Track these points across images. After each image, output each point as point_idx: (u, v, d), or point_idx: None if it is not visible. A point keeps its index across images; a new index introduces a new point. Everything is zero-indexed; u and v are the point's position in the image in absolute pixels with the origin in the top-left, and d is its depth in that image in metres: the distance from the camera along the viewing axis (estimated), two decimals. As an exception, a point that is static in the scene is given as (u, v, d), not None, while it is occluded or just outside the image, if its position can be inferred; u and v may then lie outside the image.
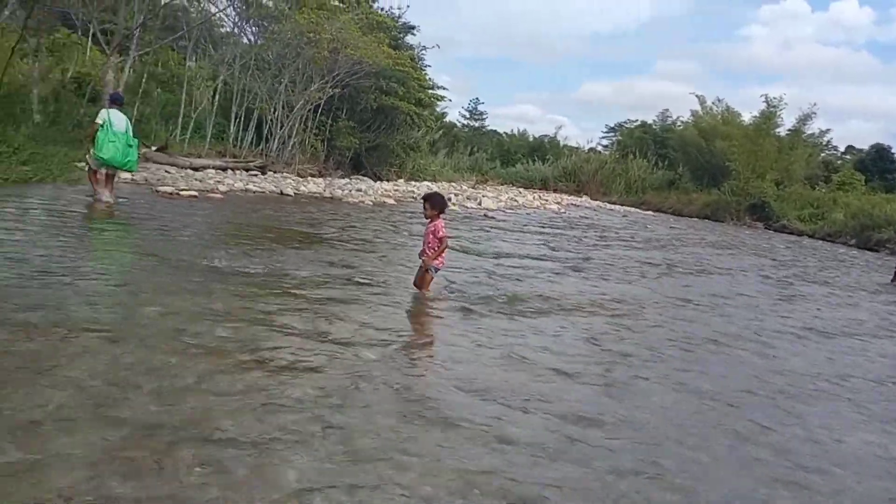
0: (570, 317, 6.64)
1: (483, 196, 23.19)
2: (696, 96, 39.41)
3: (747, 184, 32.75)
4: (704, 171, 37.44)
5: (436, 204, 6.57)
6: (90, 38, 22.26)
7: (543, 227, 16.84)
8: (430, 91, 29.39)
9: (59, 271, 5.51)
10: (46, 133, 14.26)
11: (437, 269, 6.59)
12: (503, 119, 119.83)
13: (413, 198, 20.11)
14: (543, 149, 47.22)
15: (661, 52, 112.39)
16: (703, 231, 23.52)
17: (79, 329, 4.12)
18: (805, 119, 35.00)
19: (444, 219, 6.68)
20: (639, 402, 4.30)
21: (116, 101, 11.20)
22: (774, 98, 33.84)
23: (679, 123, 42.88)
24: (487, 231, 14.11)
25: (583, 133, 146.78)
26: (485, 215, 17.59)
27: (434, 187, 25.18)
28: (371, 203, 16.47)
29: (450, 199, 20.87)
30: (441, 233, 6.45)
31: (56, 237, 7.15)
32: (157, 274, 6.05)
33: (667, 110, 47.82)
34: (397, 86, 24.90)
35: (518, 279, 8.41)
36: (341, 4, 22.93)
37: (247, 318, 4.91)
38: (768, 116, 34.55)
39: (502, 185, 38.53)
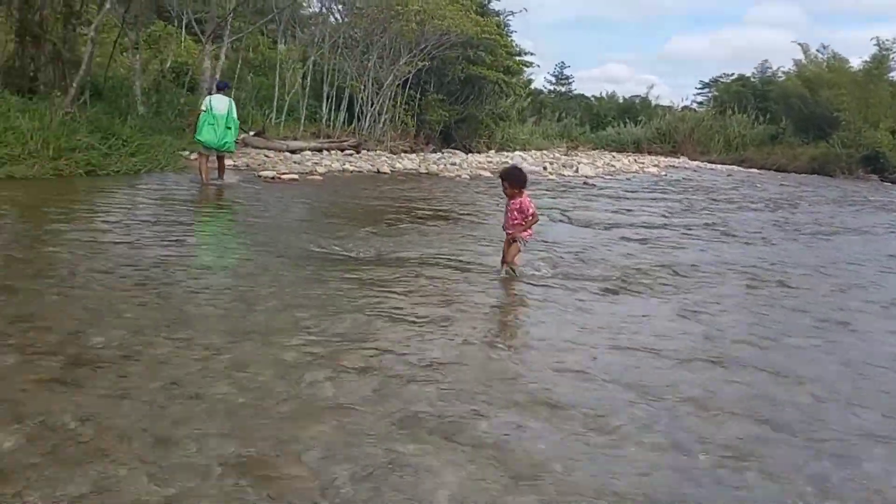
0: (705, 289, 6.02)
1: (579, 163, 22.35)
2: (799, 44, 36.75)
3: (859, 134, 30.36)
4: (809, 123, 34.95)
5: (515, 180, 5.91)
6: (184, 29, 22.75)
7: (648, 192, 15.97)
8: (517, 58, 28.52)
9: (174, 262, 5.36)
10: (151, 123, 14.49)
11: (525, 242, 5.98)
12: (590, 82, 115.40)
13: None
14: (634, 110, 45.36)
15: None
16: (817, 187, 21.90)
17: (203, 329, 3.89)
18: (922, 61, 32.08)
19: (527, 194, 6.03)
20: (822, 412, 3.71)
21: (220, 88, 11.30)
22: (887, 41, 31.17)
23: (780, 74, 40.17)
24: (591, 200, 13.43)
25: (675, 91, 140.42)
26: (584, 183, 16.84)
27: (525, 157, 24.50)
28: (468, 177, 16.03)
29: (544, 168, 20.23)
30: (530, 210, 5.85)
31: (168, 227, 7.06)
32: (270, 263, 5.82)
33: (766, 61, 45.17)
34: (485, 54, 24.21)
35: (631, 252, 7.80)
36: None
37: (365, 307, 4.59)
38: (880, 61, 31.85)
39: (594, 149, 37.29)
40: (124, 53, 18.39)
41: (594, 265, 6.68)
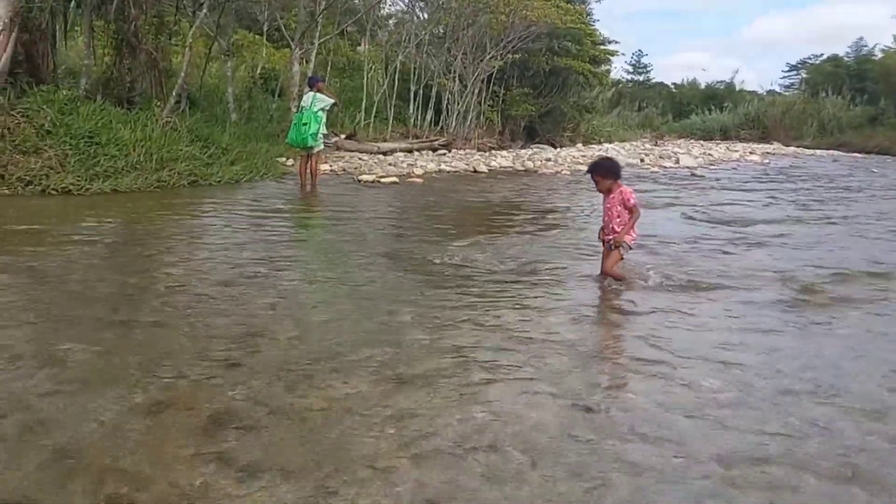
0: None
1: (677, 153, 20.98)
2: (900, 19, 33.98)
3: (970, 111, 27.90)
4: (914, 103, 32.40)
5: (608, 172, 5.11)
6: (264, 36, 22.54)
7: (761, 182, 14.62)
8: (602, 47, 27.25)
9: (289, 280, 4.65)
10: (245, 131, 14.07)
11: (629, 247, 5.11)
12: (669, 70, 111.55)
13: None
14: (718, 96, 43.19)
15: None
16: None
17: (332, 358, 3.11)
18: None
19: (626, 184, 5.19)
20: None
21: (310, 84, 10.91)
22: None
23: (878, 52, 37.39)
24: (706, 192, 12.24)
25: (760, 76, 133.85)
26: (692, 174, 15.60)
27: (617, 149, 23.27)
28: (568, 173, 15.02)
29: (641, 160, 18.99)
30: (631, 201, 5.01)
31: (276, 240, 6.41)
32: (392, 280, 5.05)
33: (861, 39, 42.23)
34: (571, 44, 23.10)
35: (790, 257, 6.70)
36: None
37: (473, 321, 3.74)
38: None
39: (679, 139, 35.62)
40: (210, 62, 18.17)
41: (754, 272, 5.62)
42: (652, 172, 15.96)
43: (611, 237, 5.09)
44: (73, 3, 16.01)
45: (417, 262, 5.63)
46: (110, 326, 3.71)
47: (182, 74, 12.49)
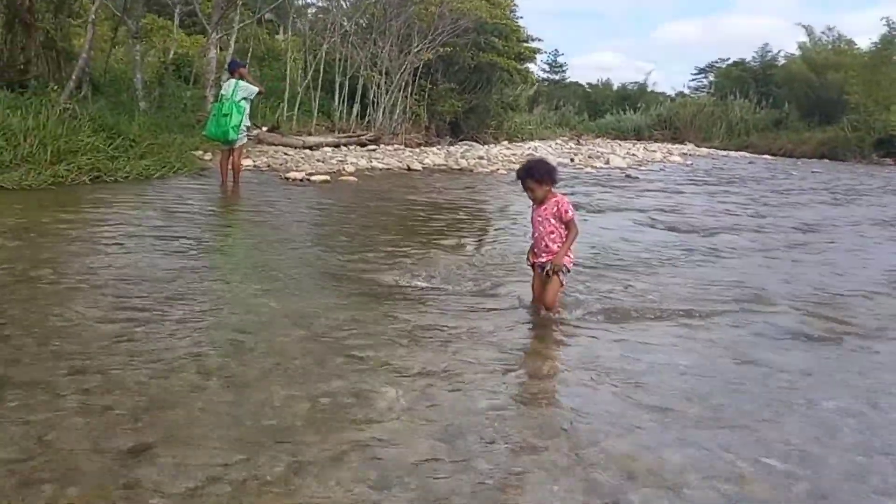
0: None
1: (605, 153, 20.66)
2: (803, 27, 35.13)
3: (870, 117, 28.99)
4: (816, 107, 33.49)
5: (545, 176, 4.10)
6: (175, 21, 20.86)
7: (696, 185, 14.34)
8: (525, 45, 26.73)
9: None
10: (156, 120, 12.60)
11: (567, 271, 4.16)
12: (583, 70, 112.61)
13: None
14: (632, 97, 43.74)
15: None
16: (853, 174, 20.26)
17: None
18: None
19: (561, 190, 4.32)
20: None
21: (230, 68, 9.77)
22: (896, 21, 29.65)
23: (781, 58, 38.66)
24: (648, 194, 11.79)
25: (668, 78, 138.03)
26: (626, 176, 15.20)
27: (544, 148, 22.82)
28: (504, 172, 14.29)
29: (571, 160, 18.53)
30: (569, 213, 4.07)
31: (189, 255, 5.34)
32: (343, 318, 4.11)
33: (766, 45, 43.53)
34: (497, 40, 22.45)
35: (789, 272, 6.18)
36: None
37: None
38: (890, 41, 30.41)
39: (597, 138, 35.74)
40: (116, 46, 16.49)
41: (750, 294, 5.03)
42: (586, 173, 15.47)
43: (544, 260, 4.11)
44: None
45: (366, 284, 4.69)
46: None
47: (83, 55, 11.01)
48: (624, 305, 4.42)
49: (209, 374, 2.92)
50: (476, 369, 3.17)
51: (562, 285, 4.14)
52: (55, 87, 10.21)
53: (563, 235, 4.08)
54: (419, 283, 4.71)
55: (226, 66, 11.34)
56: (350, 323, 3.74)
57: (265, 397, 2.72)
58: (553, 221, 4.08)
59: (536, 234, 4.20)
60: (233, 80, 9.40)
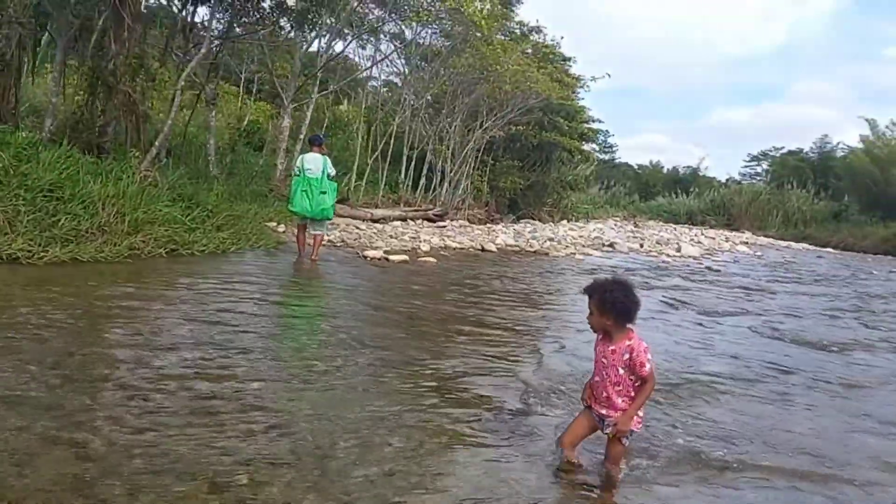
0: None
1: (681, 242, 19.67)
2: (866, 120, 34.06)
3: (939, 215, 27.77)
4: (877, 201, 32.29)
5: (618, 308, 3.06)
6: (242, 88, 20.92)
7: (779, 281, 13.26)
8: (586, 126, 26.32)
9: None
10: (229, 189, 12.12)
11: (631, 434, 3.18)
12: (631, 150, 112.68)
13: (602, 243, 16.99)
14: (684, 181, 43.00)
15: (799, 75, 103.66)
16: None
17: None
18: None
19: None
20: None
21: (314, 143, 9.17)
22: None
23: (840, 150, 37.67)
24: (743, 294, 10.72)
25: (717, 163, 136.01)
26: (707, 268, 14.20)
27: (610, 231, 21.98)
28: (581, 257, 13.42)
29: (640, 247, 17.61)
30: (646, 368, 3.04)
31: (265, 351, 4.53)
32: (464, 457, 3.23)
33: (826, 136, 42.79)
34: (563, 120, 22.03)
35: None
36: (508, 38, 20.29)
37: None
38: (957, 139, 29.40)
39: (650, 220, 34.86)
40: (184, 109, 16.31)
41: None
42: (663, 262, 14.52)
43: (608, 415, 3.15)
44: (45, 36, 14.11)
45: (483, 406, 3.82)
46: None
47: (168, 122, 10.60)
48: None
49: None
50: None
51: (623, 450, 3.20)
52: (136, 153, 9.76)
53: (633, 387, 3.10)
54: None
55: (307, 139, 10.85)
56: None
57: None
58: (621, 372, 3.09)
59: (597, 378, 3.20)
60: (318, 156, 8.87)
